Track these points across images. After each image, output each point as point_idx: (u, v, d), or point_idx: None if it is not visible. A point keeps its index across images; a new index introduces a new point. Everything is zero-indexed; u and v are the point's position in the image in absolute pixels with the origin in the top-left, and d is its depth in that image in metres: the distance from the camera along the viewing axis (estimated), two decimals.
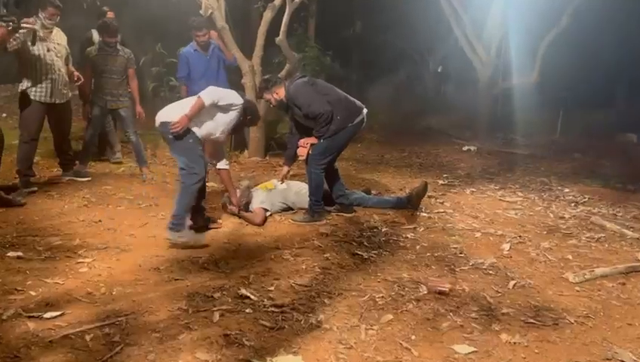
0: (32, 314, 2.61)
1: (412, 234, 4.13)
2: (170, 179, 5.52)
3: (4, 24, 4.10)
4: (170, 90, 8.16)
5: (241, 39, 7.41)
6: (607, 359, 2.50)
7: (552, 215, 4.93)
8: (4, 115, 7.77)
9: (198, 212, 4.01)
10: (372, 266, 3.47)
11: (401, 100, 11.51)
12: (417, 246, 3.87)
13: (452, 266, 3.53)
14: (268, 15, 6.69)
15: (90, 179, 5.28)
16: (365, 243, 3.88)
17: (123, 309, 2.73)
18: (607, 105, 11.44)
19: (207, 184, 4.26)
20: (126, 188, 5.09)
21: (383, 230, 4.20)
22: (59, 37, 4.87)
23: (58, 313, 2.64)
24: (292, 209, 4.62)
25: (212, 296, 2.91)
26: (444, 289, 3.10)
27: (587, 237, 4.27)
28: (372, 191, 5.19)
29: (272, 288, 3.06)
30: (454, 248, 3.87)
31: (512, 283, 3.30)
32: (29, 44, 4.55)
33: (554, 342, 2.62)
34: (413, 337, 2.60)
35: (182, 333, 2.52)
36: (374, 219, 4.45)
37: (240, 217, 4.34)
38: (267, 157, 6.96)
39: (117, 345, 2.39)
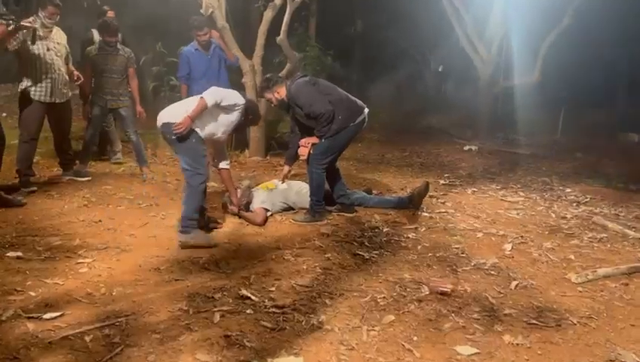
0: (31, 315, 2.60)
1: (413, 235, 4.11)
2: (170, 179, 5.51)
3: (4, 22, 4.09)
4: (171, 89, 8.15)
5: (242, 38, 7.38)
6: (611, 360, 2.48)
7: (553, 215, 4.91)
8: (4, 114, 7.76)
9: (199, 212, 3.99)
10: (373, 266, 3.46)
11: (402, 99, 11.51)
12: (419, 247, 3.86)
13: (454, 266, 3.51)
14: (269, 14, 6.67)
15: (90, 178, 5.27)
16: (366, 244, 3.86)
17: (123, 310, 2.71)
18: (608, 105, 11.42)
19: (207, 184, 4.24)
20: (126, 187, 5.07)
21: (384, 230, 4.18)
22: (59, 36, 4.86)
23: (58, 314, 2.63)
24: (293, 209, 4.60)
25: (213, 297, 2.89)
26: (445, 289, 3.08)
27: (589, 238, 4.25)
28: (373, 191, 5.18)
29: (273, 289, 3.04)
30: (456, 248, 3.85)
31: (514, 283, 3.28)
32: (29, 43, 4.54)
33: (557, 343, 2.60)
34: (415, 338, 2.58)
35: (182, 334, 2.50)
36: (375, 219, 4.44)
37: (240, 217, 4.33)
38: (268, 157, 6.94)
39: (117, 346, 2.38)
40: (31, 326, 2.51)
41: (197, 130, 3.73)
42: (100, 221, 4.12)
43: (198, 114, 3.66)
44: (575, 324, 2.79)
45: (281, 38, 6.63)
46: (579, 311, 2.96)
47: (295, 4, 6.60)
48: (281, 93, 4.29)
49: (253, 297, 2.90)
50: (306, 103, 4.19)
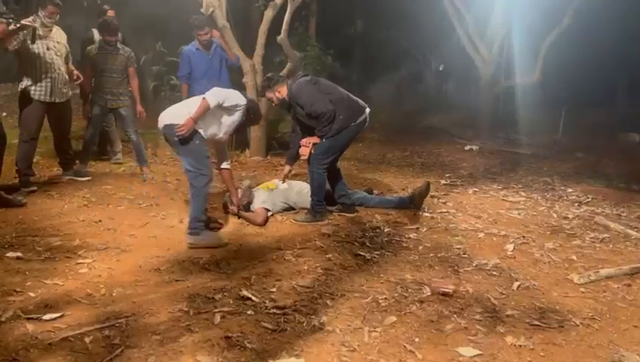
0: (31, 316, 2.58)
1: (415, 235, 4.09)
2: (170, 179, 5.49)
3: (4, 21, 4.07)
4: (171, 88, 8.13)
5: (242, 38, 7.37)
6: None
7: (555, 215, 4.89)
8: (5, 113, 7.74)
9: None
10: (375, 267, 3.44)
11: (403, 99, 11.51)
12: (420, 247, 3.84)
13: (455, 267, 3.49)
14: (269, 13, 6.65)
15: (90, 178, 5.25)
16: (368, 244, 3.85)
17: (123, 311, 2.70)
18: (609, 105, 11.41)
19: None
20: (126, 187, 5.06)
21: (385, 230, 4.16)
22: (59, 35, 4.84)
23: (57, 314, 2.61)
24: (294, 209, 4.58)
25: (213, 298, 2.88)
26: (447, 290, 3.07)
27: (591, 238, 4.23)
28: (374, 191, 5.16)
29: (274, 289, 3.02)
30: (457, 249, 3.83)
31: (516, 284, 3.26)
32: (29, 42, 4.52)
33: (560, 344, 2.59)
34: (417, 339, 2.56)
35: (183, 336, 2.49)
36: (377, 219, 4.42)
37: (241, 217, 4.31)
38: (268, 157, 6.92)
39: (117, 347, 2.36)
40: (30, 327, 2.49)
41: (200, 131, 3.72)
42: (100, 221, 4.11)
43: (200, 115, 3.64)
44: (578, 325, 2.78)
45: (282, 37, 6.61)
46: (581, 312, 2.94)
47: (296, 3, 6.58)
48: (282, 92, 4.27)
49: (253, 298, 2.88)
50: (307, 103, 4.18)
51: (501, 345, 2.54)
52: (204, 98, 3.67)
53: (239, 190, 4.38)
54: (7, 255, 3.33)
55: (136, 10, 7.69)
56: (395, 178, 6.22)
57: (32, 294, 2.84)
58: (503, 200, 5.37)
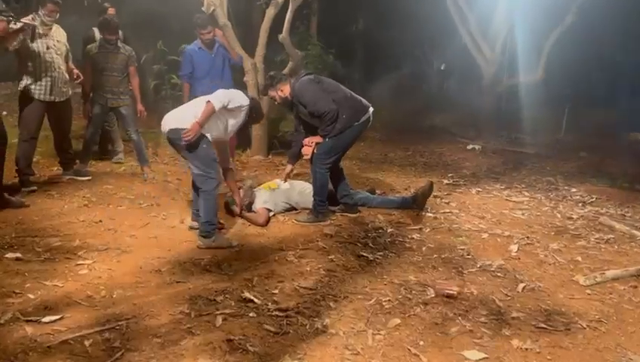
0: (30, 318, 2.56)
1: (418, 235, 4.06)
2: (171, 178, 5.45)
3: (4, 19, 4.03)
4: (172, 87, 8.10)
5: (244, 37, 7.32)
6: None
7: (559, 215, 4.85)
8: (5, 112, 7.68)
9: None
10: (378, 268, 3.40)
11: (404, 98, 11.43)
12: (423, 248, 3.80)
13: (459, 268, 3.45)
14: (271, 12, 6.61)
15: (90, 178, 5.22)
16: (370, 245, 3.81)
17: (123, 313, 2.67)
18: (612, 104, 11.33)
19: None
20: (127, 187, 5.02)
21: (388, 231, 4.12)
22: (58, 34, 4.81)
23: (57, 317, 2.59)
24: (295, 209, 4.55)
25: (215, 300, 2.84)
26: (452, 292, 3.03)
27: (596, 238, 4.19)
28: (377, 191, 5.12)
29: (276, 291, 2.99)
30: (461, 249, 3.79)
31: (521, 285, 3.22)
32: (28, 41, 4.48)
33: (566, 347, 2.55)
34: (421, 342, 2.53)
35: (184, 338, 2.46)
36: (379, 220, 4.38)
37: (243, 217, 4.28)
38: (270, 156, 6.88)
39: (117, 350, 2.33)
40: (29, 329, 2.46)
41: (206, 134, 3.68)
42: (101, 221, 4.08)
43: (206, 119, 3.60)
44: (585, 328, 2.74)
45: (284, 36, 6.57)
46: (588, 314, 2.90)
47: (297, 1, 6.54)
48: (285, 91, 4.24)
49: (256, 300, 2.85)
50: (310, 102, 4.14)
51: (507, 349, 2.51)
52: (208, 102, 3.61)
53: (241, 190, 4.35)
54: (7, 256, 3.31)
55: (136, 9, 7.65)
56: (397, 177, 6.18)
57: (31, 296, 2.81)
58: (507, 200, 5.33)
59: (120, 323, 2.56)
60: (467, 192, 5.56)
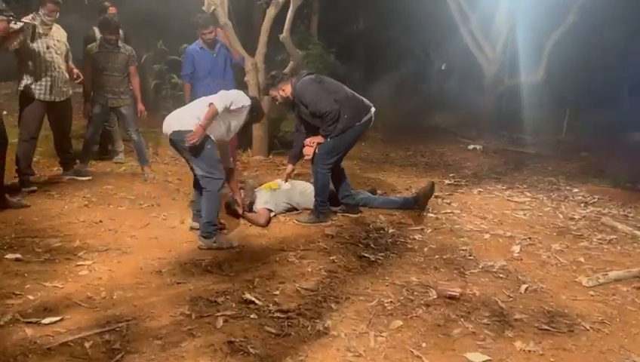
0: (29, 320, 2.54)
1: (420, 236, 4.04)
2: (172, 178, 5.43)
3: (4, 18, 4.01)
4: (172, 87, 8.07)
5: (244, 36, 7.30)
6: None
7: (561, 216, 4.83)
8: (5, 112, 7.67)
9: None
10: (379, 269, 3.39)
11: (405, 98, 11.42)
12: (425, 249, 3.78)
13: (461, 269, 3.44)
14: (271, 12, 6.59)
15: (90, 178, 5.20)
16: (372, 245, 3.79)
17: (124, 314, 2.65)
18: (614, 104, 11.30)
19: None
20: (127, 187, 5.00)
21: (389, 231, 4.11)
22: (58, 34, 4.79)
23: (57, 318, 2.57)
24: (296, 209, 4.53)
25: (215, 301, 2.83)
26: (454, 293, 3.01)
27: (598, 239, 4.17)
28: (378, 191, 5.10)
29: (278, 292, 2.97)
30: (463, 250, 3.78)
31: (523, 287, 3.20)
32: (28, 40, 4.47)
33: (570, 349, 2.54)
34: (423, 344, 2.51)
35: (185, 340, 2.44)
36: (381, 220, 4.36)
37: (244, 218, 4.26)
38: (271, 156, 6.86)
39: (117, 352, 2.32)
40: (29, 331, 2.45)
41: (210, 136, 3.66)
42: (101, 222, 4.06)
43: (210, 121, 3.58)
44: (588, 330, 2.72)
45: (285, 35, 6.55)
46: (591, 316, 2.89)
47: (298, 1, 6.52)
48: (286, 90, 4.22)
49: (257, 301, 2.83)
50: (311, 101, 4.12)
51: (510, 351, 2.49)
52: (211, 104, 3.59)
53: (242, 190, 4.33)
54: (7, 256, 3.28)
55: (137, 8, 7.62)
56: (398, 178, 6.16)
57: (31, 297, 2.79)
58: (508, 200, 5.31)
59: (120, 324, 2.54)
60: (469, 192, 5.54)
